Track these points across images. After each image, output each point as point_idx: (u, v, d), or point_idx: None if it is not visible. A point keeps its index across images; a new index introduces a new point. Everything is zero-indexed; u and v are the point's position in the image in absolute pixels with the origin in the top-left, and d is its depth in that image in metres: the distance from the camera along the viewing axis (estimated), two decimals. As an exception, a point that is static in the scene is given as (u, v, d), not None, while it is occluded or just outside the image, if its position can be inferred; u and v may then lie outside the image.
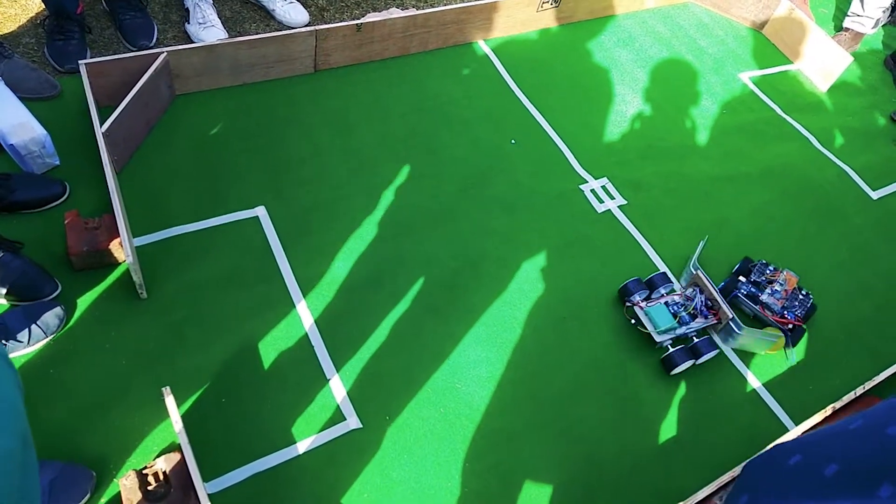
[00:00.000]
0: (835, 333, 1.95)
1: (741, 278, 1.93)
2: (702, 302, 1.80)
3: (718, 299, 1.79)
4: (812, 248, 2.17)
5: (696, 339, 1.75)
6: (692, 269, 1.86)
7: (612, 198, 2.12)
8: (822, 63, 2.83)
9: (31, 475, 0.48)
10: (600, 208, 2.08)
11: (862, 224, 2.30)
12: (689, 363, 1.69)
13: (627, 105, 2.48)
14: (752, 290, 1.91)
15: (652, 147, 2.34)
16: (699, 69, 2.75)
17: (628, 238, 2.03)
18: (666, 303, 1.79)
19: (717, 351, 1.76)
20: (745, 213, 2.21)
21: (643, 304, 1.78)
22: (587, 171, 2.18)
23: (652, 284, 1.84)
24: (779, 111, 2.67)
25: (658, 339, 1.73)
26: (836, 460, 0.63)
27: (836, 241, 2.22)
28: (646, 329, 1.75)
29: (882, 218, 2.35)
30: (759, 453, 0.78)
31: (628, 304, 1.80)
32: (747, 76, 2.80)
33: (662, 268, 1.97)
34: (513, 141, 2.22)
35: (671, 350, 1.71)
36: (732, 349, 1.83)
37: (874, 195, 2.43)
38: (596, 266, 1.93)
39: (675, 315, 1.76)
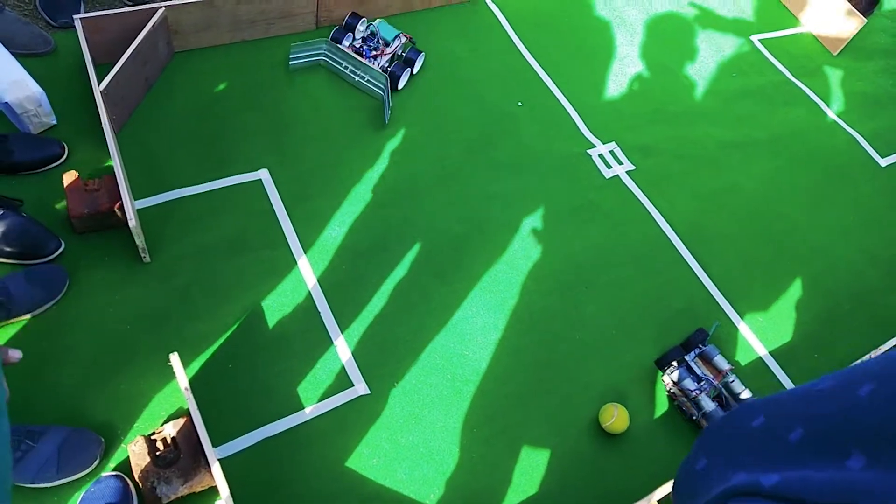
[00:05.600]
0: (841, 301, 1.95)
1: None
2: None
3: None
4: (820, 215, 2.15)
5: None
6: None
7: (621, 163, 2.09)
8: (834, 25, 2.77)
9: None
10: (608, 174, 2.05)
11: (870, 192, 2.29)
12: None
13: (636, 66, 2.43)
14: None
15: (660, 111, 2.30)
16: (709, 30, 2.68)
17: (636, 205, 2.00)
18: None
19: None
20: (753, 180, 2.19)
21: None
22: (595, 135, 2.14)
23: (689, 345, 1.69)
24: (788, 75, 2.62)
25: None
26: (801, 423, 0.58)
27: (844, 208, 2.20)
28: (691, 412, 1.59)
29: (890, 185, 2.33)
30: (720, 416, 0.73)
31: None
32: (757, 38, 2.74)
33: (670, 234, 1.95)
34: (519, 103, 2.17)
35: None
36: None
37: (883, 162, 2.40)
38: (603, 232, 1.91)
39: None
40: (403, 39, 2.11)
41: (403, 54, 2.11)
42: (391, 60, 2.09)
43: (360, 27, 2.07)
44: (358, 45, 2.06)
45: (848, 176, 2.31)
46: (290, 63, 1.99)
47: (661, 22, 2.64)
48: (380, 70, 1.98)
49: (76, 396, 1.34)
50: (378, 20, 2.12)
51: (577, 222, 1.91)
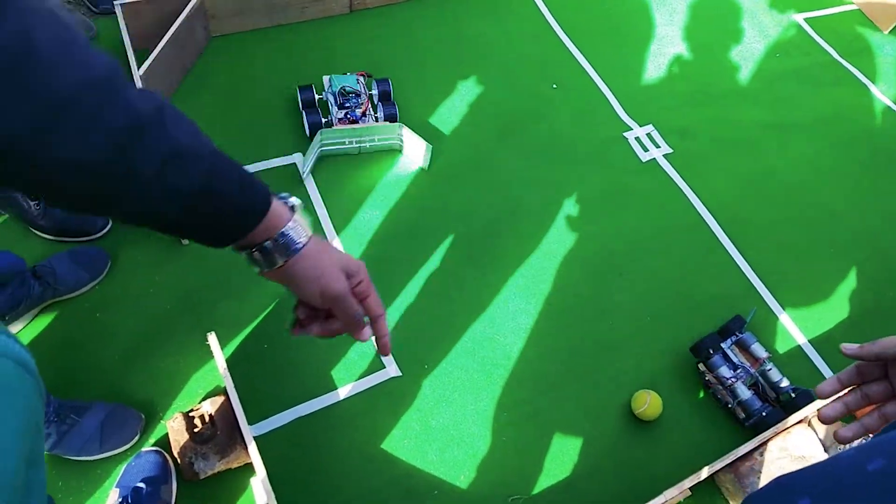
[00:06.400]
0: (884, 290, 1.89)
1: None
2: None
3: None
4: (863, 200, 2.08)
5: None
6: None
7: (658, 146, 2.05)
8: (885, 1, 2.66)
9: (35, 497, 0.46)
10: (645, 157, 2.02)
11: (920, 176, 2.20)
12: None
13: (674, 47, 2.37)
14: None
15: (699, 92, 2.25)
16: (751, 9, 2.60)
17: (673, 189, 1.96)
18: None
19: None
20: (795, 163, 2.12)
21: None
22: (632, 118, 2.11)
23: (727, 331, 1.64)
24: (835, 55, 2.53)
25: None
26: None
27: (889, 194, 2.12)
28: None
29: (941, 170, 2.24)
30: (759, 488, 0.69)
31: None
32: (802, 17, 2.64)
33: (708, 219, 1.91)
34: (554, 85, 2.14)
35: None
36: None
37: (934, 145, 2.31)
38: (638, 217, 1.88)
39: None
40: (363, 80, 1.88)
41: (376, 92, 1.88)
42: (375, 106, 1.86)
43: (326, 95, 1.85)
44: (342, 115, 1.80)
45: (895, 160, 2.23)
46: (303, 175, 1.76)
47: (701, 1, 2.56)
48: (383, 122, 1.80)
49: (118, 374, 1.39)
50: (329, 76, 1.86)
51: (612, 207, 1.89)
